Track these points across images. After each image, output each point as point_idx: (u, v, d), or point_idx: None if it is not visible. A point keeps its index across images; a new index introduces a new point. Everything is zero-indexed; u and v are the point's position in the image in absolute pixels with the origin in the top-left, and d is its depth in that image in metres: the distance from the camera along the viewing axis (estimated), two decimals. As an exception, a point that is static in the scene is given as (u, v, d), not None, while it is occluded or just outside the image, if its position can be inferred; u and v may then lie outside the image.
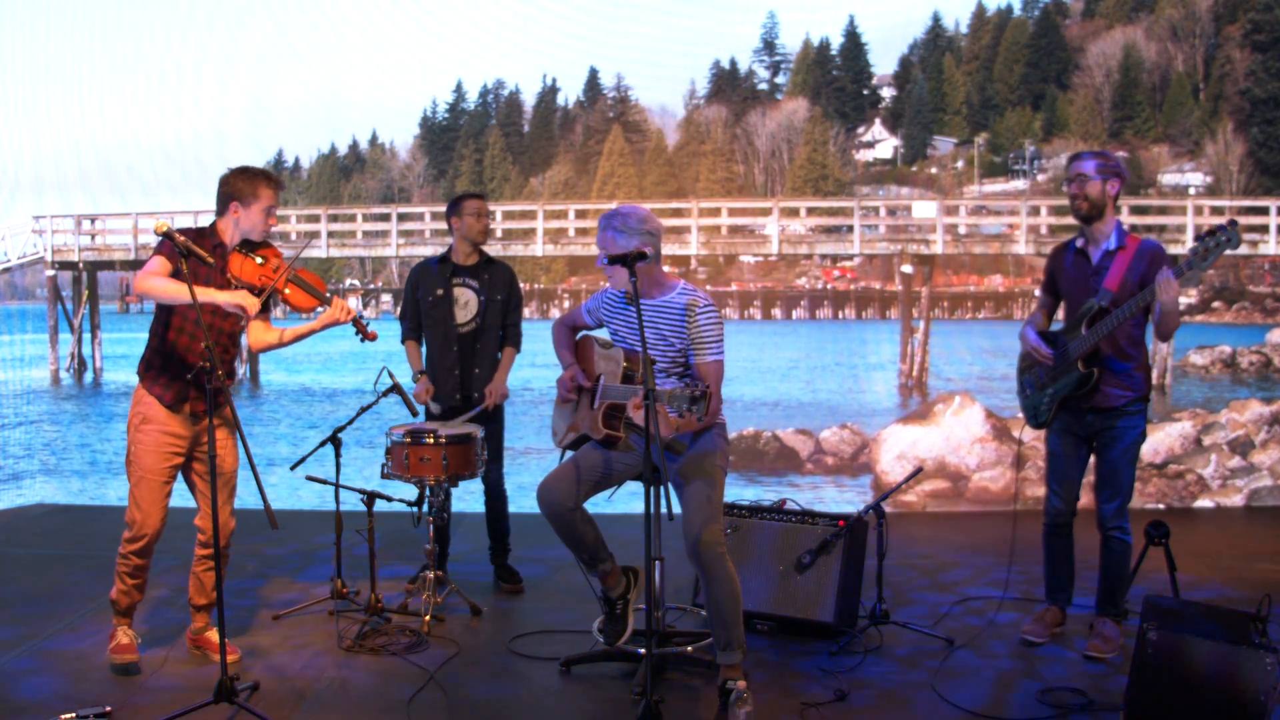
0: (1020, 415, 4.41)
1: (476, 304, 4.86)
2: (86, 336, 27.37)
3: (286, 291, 3.81)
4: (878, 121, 57.19)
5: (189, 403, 3.77)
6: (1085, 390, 3.99)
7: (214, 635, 3.96)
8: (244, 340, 3.91)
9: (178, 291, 3.56)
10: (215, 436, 3.48)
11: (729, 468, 3.71)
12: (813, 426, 15.42)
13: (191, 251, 3.57)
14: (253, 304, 3.61)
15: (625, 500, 4.22)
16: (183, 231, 3.74)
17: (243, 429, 3.34)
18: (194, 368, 3.69)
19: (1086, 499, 4.17)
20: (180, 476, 3.88)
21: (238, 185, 3.77)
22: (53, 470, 15.99)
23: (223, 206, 3.79)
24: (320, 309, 3.83)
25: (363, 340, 3.95)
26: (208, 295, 3.58)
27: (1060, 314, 4.23)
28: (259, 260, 3.78)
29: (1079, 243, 4.11)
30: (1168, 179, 47.83)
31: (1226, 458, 10.18)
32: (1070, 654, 4.05)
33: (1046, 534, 4.26)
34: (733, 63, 58.99)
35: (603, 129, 55.88)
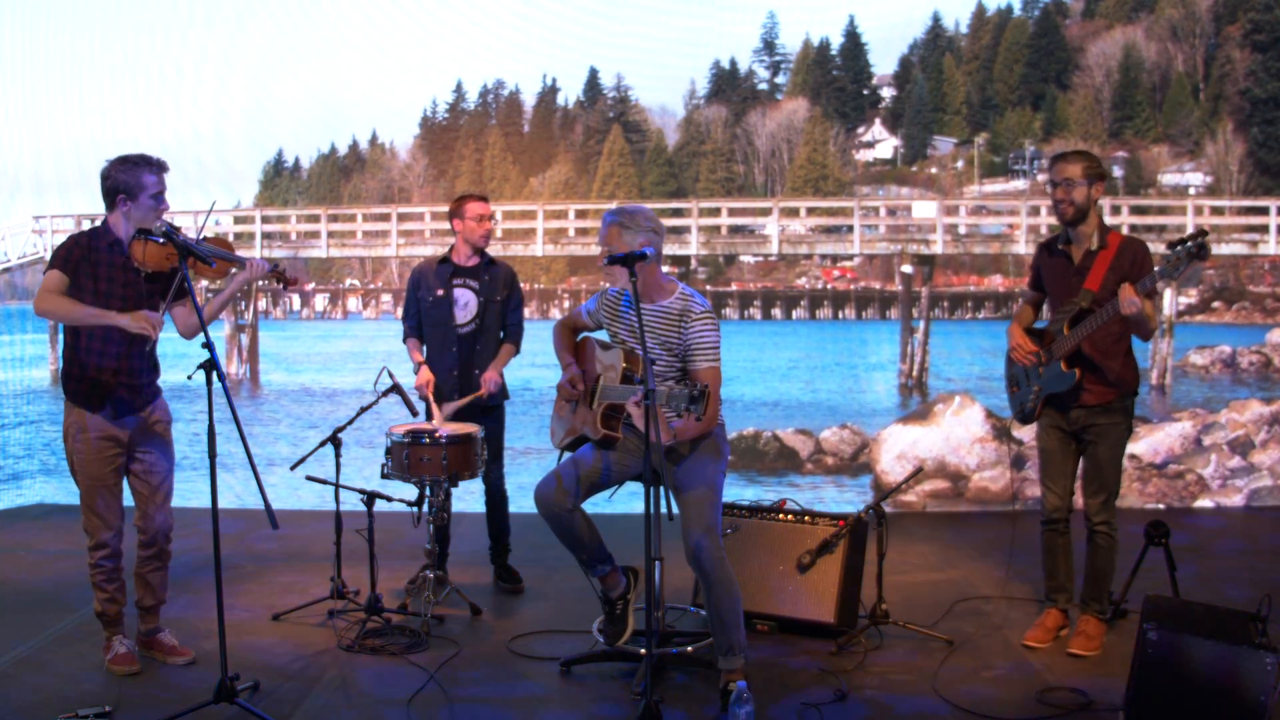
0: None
1: (476, 305, 4.86)
2: (86, 336, 27.27)
3: (197, 266, 3.71)
4: (878, 121, 57.08)
5: (110, 402, 3.75)
6: (1070, 389, 4.00)
7: (165, 638, 3.97)
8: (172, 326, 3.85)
9: (79, 315, 3.57)
10: (207, 434, 3.43)
11: (729, 469, 3.71)
12: (813, 426, 15.42)
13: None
14: (156, 324, 3.55)
15: (625, 500, 4.22)
16: (78, 235, 3.71)
17: (243, 428, 3.32)
18: (109, 371, 3.68)
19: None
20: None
21: (120, 178, 3.68)
22: (53, 470, 15.98)
23: (110, 201, 3.71)
24: (234, 270, 3.74)
25: (285, 287, 3.92)
26: (107, 319, 3.55)
27: (1047, 310, 4.25)
28: (160, 243, 3.67)
29: (1061, 243, 4.12)
30: (1168, 179, 47.72)
31: (1226, 458, 10.18)
32: (1071, 654, 4.05)
33: (1043, 530, 4.27)
34: (733, 63, 58.84)
35: (603, 129, 55.78)
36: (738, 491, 6.41)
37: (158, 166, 3.73)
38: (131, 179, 3.67)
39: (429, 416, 4.80)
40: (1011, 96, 54.19)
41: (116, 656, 3.86)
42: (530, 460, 13.70)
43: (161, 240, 3.66)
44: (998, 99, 54.21)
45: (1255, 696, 3.02)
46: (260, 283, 3.84)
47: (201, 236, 3.76)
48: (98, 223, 3.74)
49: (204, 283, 4.17)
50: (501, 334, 4.95)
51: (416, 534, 4.72)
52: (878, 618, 4.25)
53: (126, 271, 3.69)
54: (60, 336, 3.74)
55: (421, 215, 28.25)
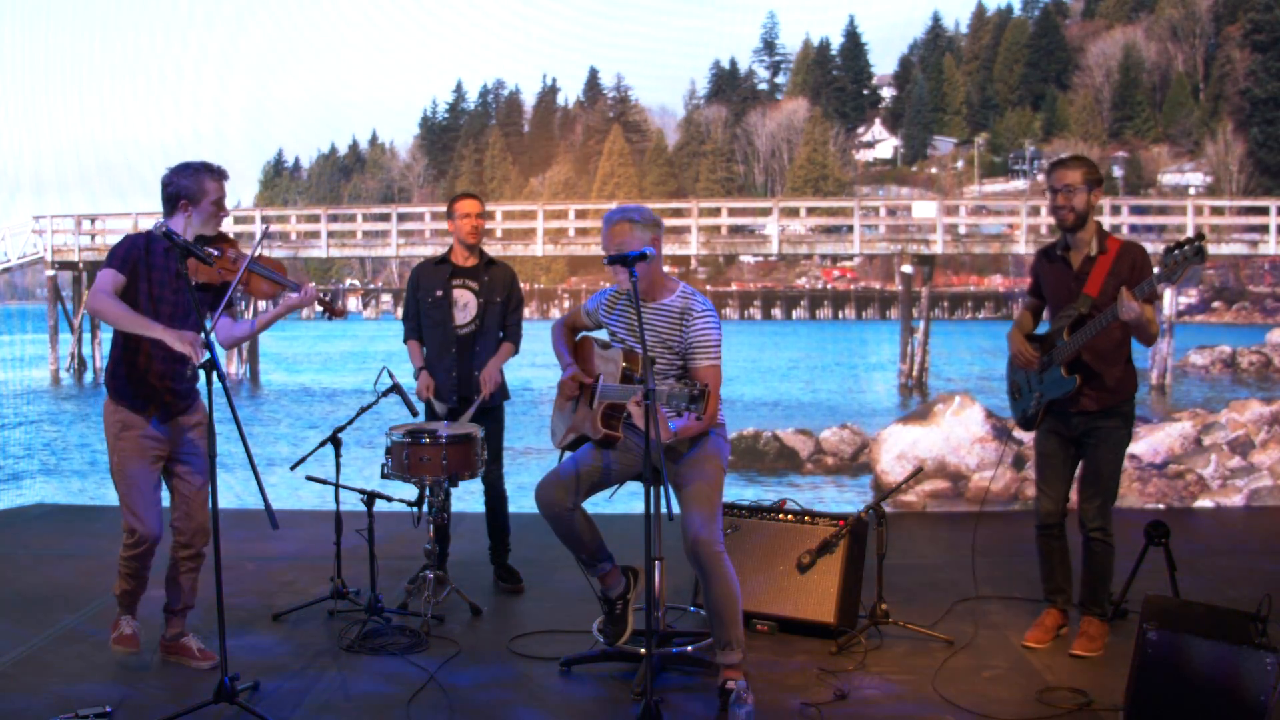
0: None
1: (475, 306, 4.86)
2: (86, 336, 27.34)
3: (249, 283, 3.73)
4: (878, 121, 57.11)
5: (154, 406, 3.74)
6: (1070, 395, 4.00)
7: (190, 643, 3.95)
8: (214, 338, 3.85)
9: (127, 323, 3.52)
10: (207, 434, 3.43)
11: (729, 468, 3.71)
12: (813, 426, 15.44)
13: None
14: (199, 347, 3.47)
15: (625, 500, 4.22)
16: (135, 237, 3.69)
17: (243, 428, 3.32)
18: (155, 374, 3.67)
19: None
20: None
21: (182, 184, 3.68)
22: (53, 470, 16.01)
23: (170, 208, 3.71)
24: (283, 293, 3.75)
25: (331, 318, 3.93)
26: (155, 332, 3.49)
27: (1047, 315, 4.25)
28: (215, 253, 3.68)
29: (1059, 249, 4.11)
30: (1168, 179, 47.74)
31: (1226, 458, 10.18)
32: (1074, 654, 4.05)
33: (1038, 536, 4.26)
34: (733, 63, 58.90)
35: (603, 129, 55.80)
36: (738, 491, 6.41)
37: (219, 174, 3.75)
38: (194, 185, 3.69)
39: (429, 420, 4.81)
40: (1011, 96, 54.21)
41: (121, 636, 3.85)
42: (530, 460, 13.71)
43: (217, 253, 3.63)
44: (998, 99, 54.23)
45: (1255, 696, 3.02)
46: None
47: (257, 254, 3.73)
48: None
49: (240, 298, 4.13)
50: (501, 334, 4.95)
51: (416, 534, 4.72)
52: (878, 618, 4.25)
53: (179, 279, 3.67)
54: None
55: (421, 215, 28.28)
